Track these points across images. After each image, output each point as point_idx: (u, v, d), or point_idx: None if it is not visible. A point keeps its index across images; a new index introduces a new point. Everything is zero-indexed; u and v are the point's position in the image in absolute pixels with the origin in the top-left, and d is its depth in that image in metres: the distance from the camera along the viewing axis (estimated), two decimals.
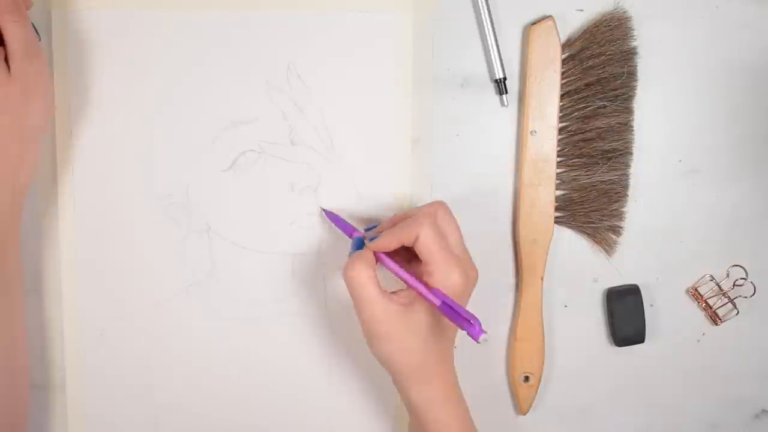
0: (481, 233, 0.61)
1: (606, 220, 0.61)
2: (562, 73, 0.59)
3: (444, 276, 0.50)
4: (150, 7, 0.59)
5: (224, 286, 0.61)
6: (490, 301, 0.62)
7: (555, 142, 0.60)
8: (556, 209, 0.61)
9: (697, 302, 0.64)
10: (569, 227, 0.62)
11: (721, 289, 0.63)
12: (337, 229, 0.58)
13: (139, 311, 0.61)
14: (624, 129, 0.60)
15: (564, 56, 0.59)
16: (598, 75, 0.59)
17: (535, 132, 0.59)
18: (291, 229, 0.61)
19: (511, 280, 0.62)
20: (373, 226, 0.56)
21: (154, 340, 0.61)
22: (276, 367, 0.62)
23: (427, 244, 0.50)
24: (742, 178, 0.63)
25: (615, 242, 0.62)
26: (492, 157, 0.61)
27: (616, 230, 0.62)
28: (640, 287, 0.62)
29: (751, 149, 0.63)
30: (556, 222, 0.61)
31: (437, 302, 0.49)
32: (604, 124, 0.60)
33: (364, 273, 0.50)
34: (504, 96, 0.60)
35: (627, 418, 0.64)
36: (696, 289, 0.63)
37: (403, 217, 0.53)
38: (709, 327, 0.64)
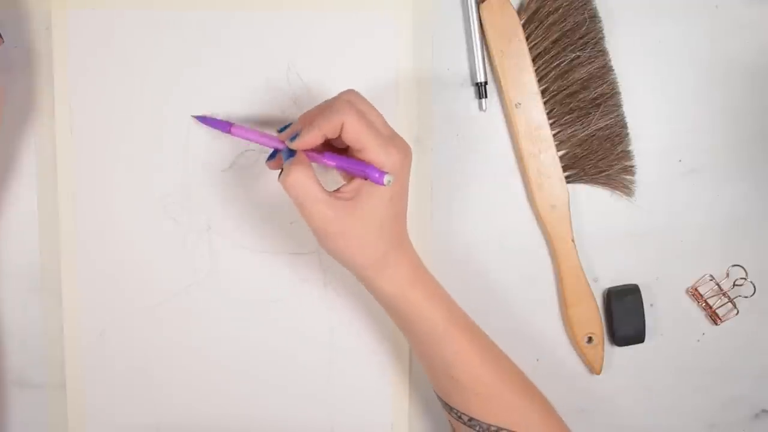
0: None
1: (616, 164, 0.61)
2: (527, 38, 0.59)
3: (382, 157, 0.49)
4: (150, 7, 0.59)
5: (224, 286, 0.61)
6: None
7: (541, 106, 0.60)
8: (564, 169, 0.61)
9: (697, 302, 0.64)
10: (583, 182, 0.62)
11: (721, 289, 0.63)
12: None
13: (139, 311, 0.61)
14: (604, 72, 0.60)
15: (522, 22, 0.59)
16: (561, 29, 0.59)
17: (520, 104, 0.60)
18: (291, 229, 0.61)
19: (546, 253, 0.63)
20: (285, 127, 0.54)
21: (154, 340, 0.61)
22: (276, 366, 0.62)
23: (355, 129, 0.48)
24: (742, 177, 0.63)
25: (632, 182, 0.62)
26: (493, 156, 0.61)
27: (629, 170, 0.62)
28: (640, 287, 0.62)
29: (751, 149, 0.63)
30: (568, 181, 0.61)
31: (380, 179, 0.48)
32: (584, 74, 0.60)
33: (305, 175, 0.48)
34: (483, 100, 0.60)
35: (627, 418, 0.64)
36: (696, 289, 0.63)
37: (315, 113, 0.51)
38: (709, 327, 0.64)
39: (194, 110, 0.59)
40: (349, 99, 0.50)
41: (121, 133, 0.60)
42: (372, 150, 0.49)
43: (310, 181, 0.48)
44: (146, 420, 0.62)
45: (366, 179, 0.49)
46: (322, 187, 0.49)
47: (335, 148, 0.52)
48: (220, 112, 0.59)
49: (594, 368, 0.62)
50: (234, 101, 0.60)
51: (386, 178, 0.48)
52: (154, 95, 0.59)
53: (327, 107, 0.50)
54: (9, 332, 0.61)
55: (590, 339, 0.62)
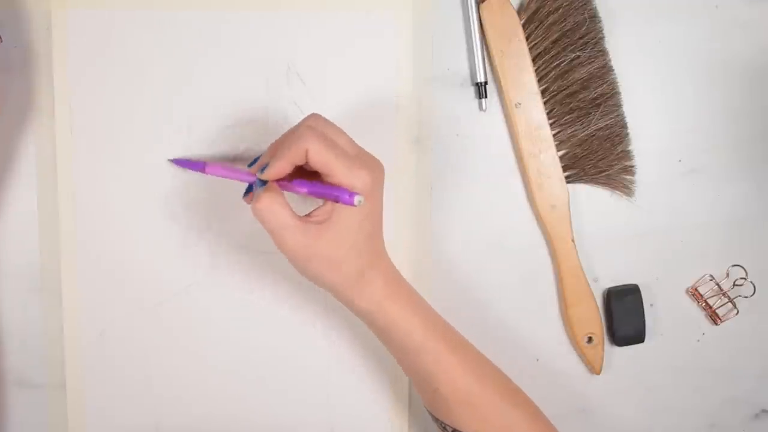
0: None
1: (616, 164, 0.61)
2: (527, 38, 0.59)
3: (350, 179, 0.48)
4: (150, 7, 0.59)
5: (224, 286, 0.61)
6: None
7: (541, 106, 0.60)
8: (565, 169, 0.61)
9: (697, 302, 0.64)
10: (583, 182, 0.62)
11: (721, 289, 0.63)
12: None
13: (139, 311, 0.61)
14: (604, 72, 0.60)
15: (522, 22, 0.59)
16: (561, 29, 0.59)
17: (520, 104, 0.60)
18: None
19: (546, 253, 0.63)
20: (255, 160, 0.54)
21: (154, 339, 0.61)
22: (276, 366, 0.62)
23: (320, 155, 0.48)
24: (742, 177, 0.63)
25: (632, 182, 0.62)
26: (492, 156, 0.61)
27: (629, 170, 0.62)
28: (640, 287, 0.62)
29: (751, 149, 0.63)
30: (568, 182, 0.61)
31: (351, 200, 0.48)
32: (584, 74, 0.60)
33: (275, 202, 0.48)
34: (483, 100, 0.60)
35: (627, 418, 0.64)
36: (696, 289, 0.63)
37: (281, 142, 0.51)
38: (709, 327, 0.64)
39: (193, 110, 0.59)
40: (311, 124, 0.50)
41: (121, 133, 0.60)
42: (339, 173, 0.49)
43: (280, 207, 0.48)
44: (146, 420, 0.62)
45: (338, 202, 0.49)
46: (293, 213, 0.49)
47: (308, 173, 0.52)
48: (219, 112, 0.60)
49: (594, 368, 0.62)
50: (234, 101, 0.60)
51: (357, 199, 0.48)
52: (154, 95, 0.59)
53: (291, 134, 0.50)
54: (9, 332, 0.61)
55: (590, 339, 0.62)
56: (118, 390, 0.61)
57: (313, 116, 0.51)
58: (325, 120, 0.51)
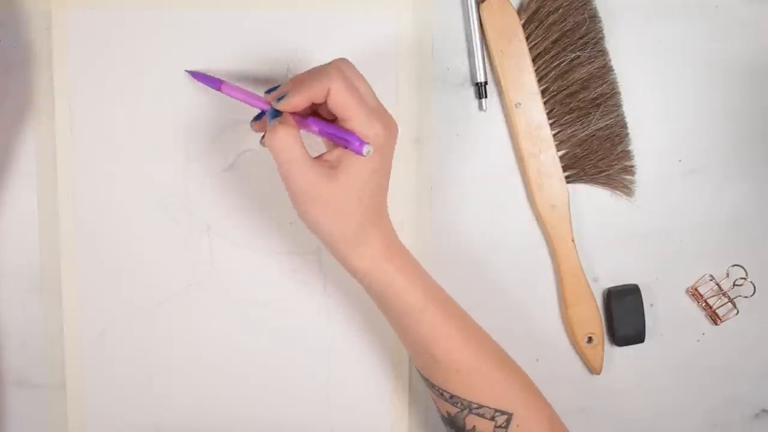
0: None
1: (616, 164, 0.61)
2: (527, 38, 0.59)
3: (365, 127, 0.48)
4: (150, 7, 0.59)
5: (224, 286, 0.61)
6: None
7: (541, 106, 0.60)
8: (564, 169, 0.61)
9: (697, 302, 0.64)
10: (583, 182, 0.62)
11: (721, 289, 0.63)
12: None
13: (139, 311, 0.61)
14: (604, 72, 0.60)
15: (522, 22, 0.59)
16: (561, 29, 0.59)
17: (520, 104, 0.60)
18: (291, 229, 0.61)
19: (546, 253, 0.63)
20: (273, 88, 0.53)
21: (154, 339, 0.61)
22: (276, 366, 0.62)
23: (341, 97, 0.47)
24: (742, 177, 0.63)
25: (632, 182, 0.62)
26: (493, 156, 0.61)
27: (629, 170, 0.62)
28: (640, 287, 0.62)
29: (751, 149, 0.63)
30: (568, 181, 0.61)
31: (359, 148, 0.48)
32: (584, 74, 0.60)
33: (290, 134, 0.47)
34: (483, 100, 0.60)
35: (627, 418, 0.64)
36: (696, 289, 0.63)
37: (304, 77, 0.50)
38: (709, 327, 0.64)
39: (193, 110, 0.59)
40: (339, 66, 0.49)
41: (121, 132, 0.60)
42: (355, 119, 0.48)
43: (294, 140, 0.48)
44: (146, 420, 0.62)
45: (347, 148, 0.49)
46: (306, 150, 0.48)
47: (321, 117, 0.52)
48: (219, 113, 0.60)
49: (594, 368, 0.62)
50: (234, 102, 0.59)
51: (366, 149, 0.48)
52: (154, 95, 0.59)
53: (316, 71, 0.49)
54: (9, 332, 0.61)
55: (590, 339, 0.62)
56: (118, 390, 0.61)
57: (342, 60, 0.51)
58: (353, 67, 0.51)
